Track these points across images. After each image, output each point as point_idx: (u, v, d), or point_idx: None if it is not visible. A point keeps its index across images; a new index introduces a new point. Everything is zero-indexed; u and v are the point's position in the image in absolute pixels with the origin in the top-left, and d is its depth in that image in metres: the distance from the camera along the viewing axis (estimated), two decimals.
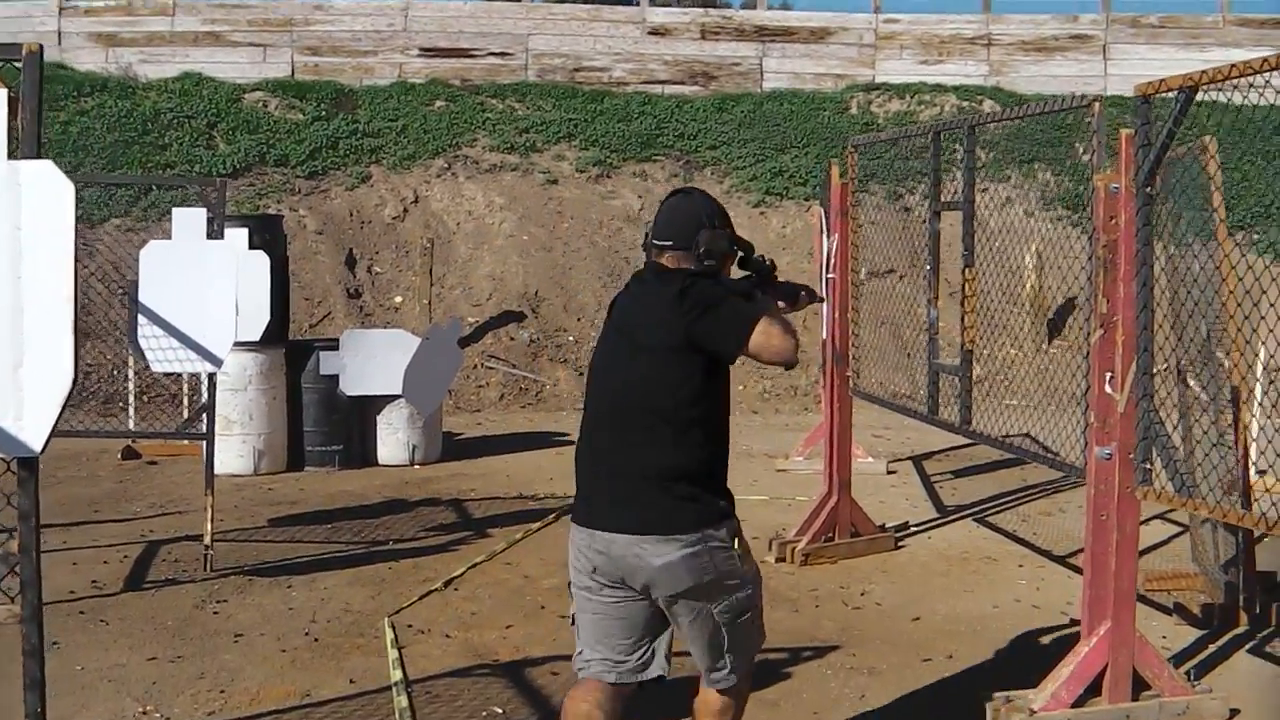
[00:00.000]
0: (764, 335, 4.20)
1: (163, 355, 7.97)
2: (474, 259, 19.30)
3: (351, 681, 6.19)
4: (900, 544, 9.00)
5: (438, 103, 21.78)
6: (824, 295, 9.15)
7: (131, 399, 13.38)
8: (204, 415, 8.41)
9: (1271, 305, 4.74)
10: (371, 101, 21.56)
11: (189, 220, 8.09)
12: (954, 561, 8.58)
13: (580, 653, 4.38)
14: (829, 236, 9.09)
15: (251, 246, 11.60)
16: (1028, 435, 9.63)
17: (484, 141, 21.32)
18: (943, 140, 7.59)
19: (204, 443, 8.36)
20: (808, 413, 16.58)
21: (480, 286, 18.79)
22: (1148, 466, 5.35)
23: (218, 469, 11.92)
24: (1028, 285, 18.88)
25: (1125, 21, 23.92)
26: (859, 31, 23.65)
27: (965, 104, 22.51)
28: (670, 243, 4.36)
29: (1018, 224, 19.11)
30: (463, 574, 8.16)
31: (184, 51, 21.96)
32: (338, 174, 20.44)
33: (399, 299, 18.72)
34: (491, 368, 17.59)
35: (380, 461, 12.47)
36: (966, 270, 6.80)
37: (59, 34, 21.81)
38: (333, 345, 12.29)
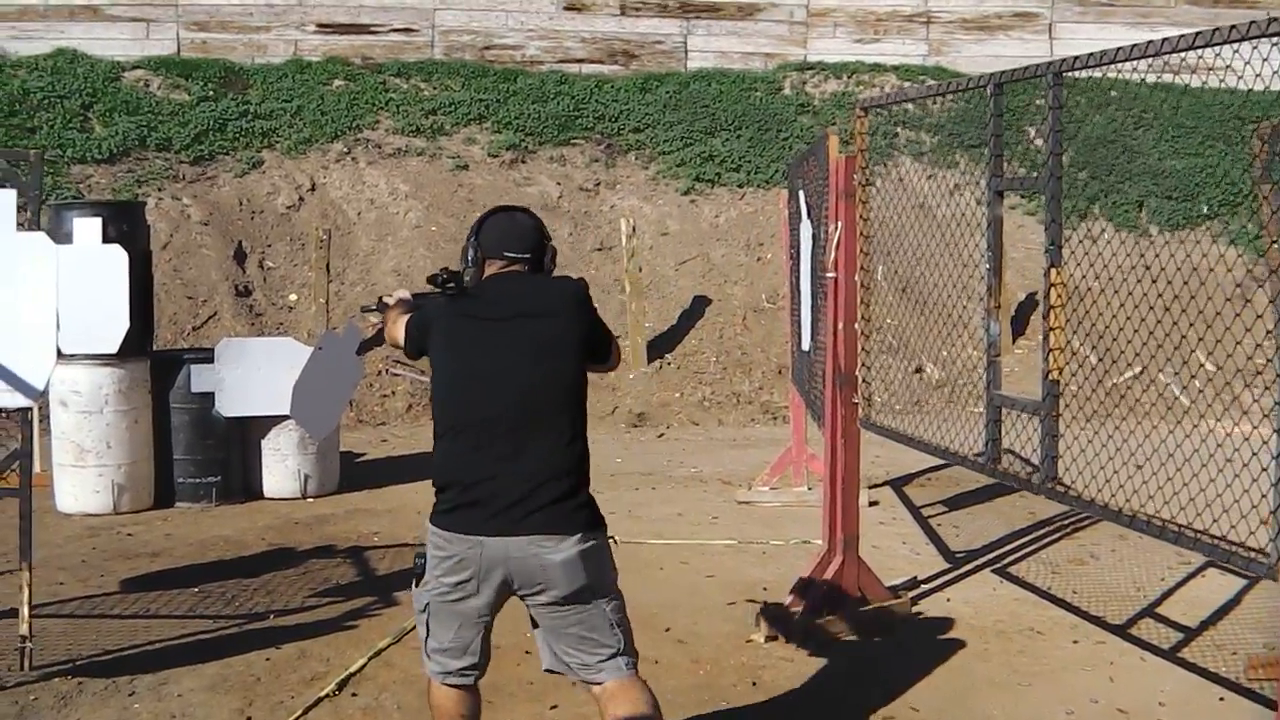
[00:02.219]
0: (617, 349, 4.66)
1: None
2: (377, 252, 17.40)
3: None
4: (916, 610, 7.19)
5: (336, 82, 19.93)
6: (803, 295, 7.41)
7: None
8: (17, 463, 6.35)
9: None
10: (264, 81, 19.65)
11: None
12: (990, 636, 6.77)
13: (438, 660, 4.49)
14: (818, 225, 7.31)
15: (107, 239, 9.70)
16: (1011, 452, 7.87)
17: (387, 124, 19.50)
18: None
19: (20, 500, 6.31)
20: (755, 424, 14.86)
21: (384, 282, 16.83)
22: None
23: (70, 506, 10.08)
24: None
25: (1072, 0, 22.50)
26: (789, 8, 22.10)
27: (907, 85, 20.90)
28: (528, 255, 4.54)
29: (969, 213, 17.64)
30: (362, 667, 6.27)
31: (59, 27, 19.89)
32: (226, 159, 18.52)
33: (294, 297, 16.87)
34: (397, 374, 15.72)
35: (266, 494, 10.49)
36: (1054, 271, 4.98)
37: None
38: (207, 357, 10.29)
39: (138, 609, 7.33)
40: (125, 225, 9.91)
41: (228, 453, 10.37)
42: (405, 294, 4.99)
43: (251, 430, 10.44)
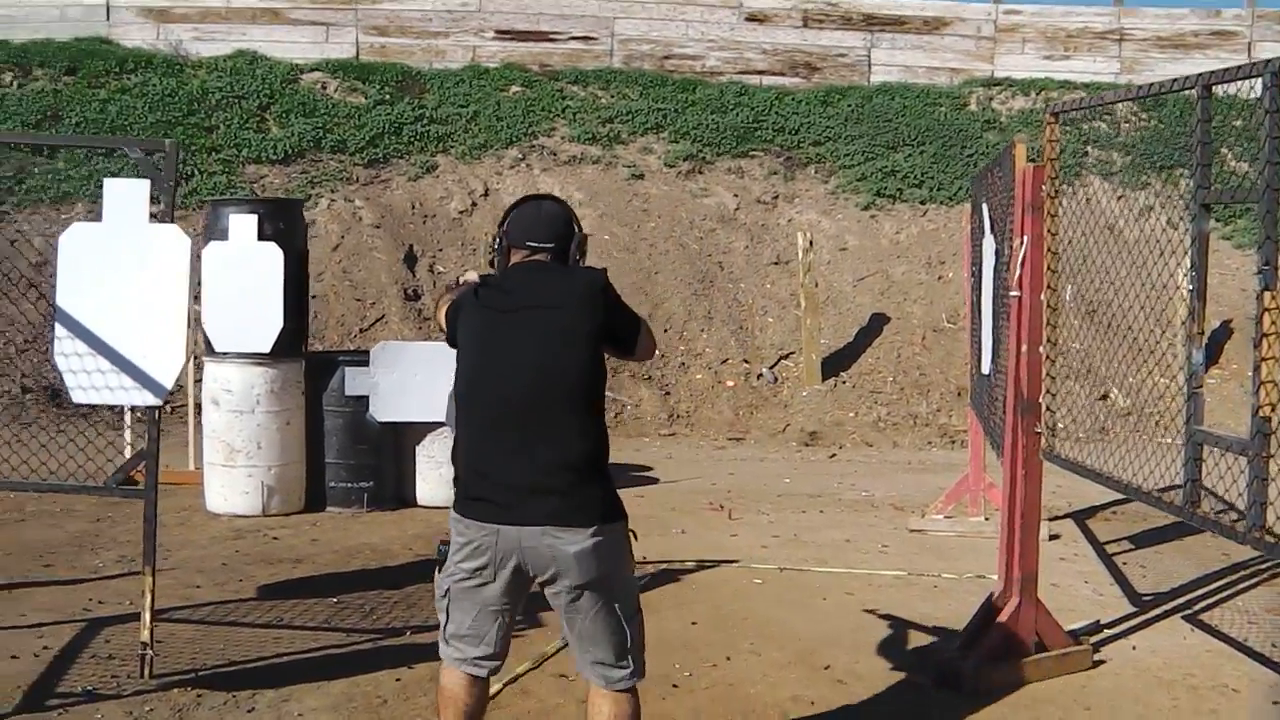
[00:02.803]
0: (647, 337, 4.58)
1: (86, 380, 5.76)
2: None
3: None
4: (1098, 658, 6.59)
5: (513, 89, 19.89)
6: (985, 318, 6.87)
7: (127, 412, 11.18)
8: (143, 467, 6.05)
9: None
10: (441, 86, 19.67)
11: (126, 196, 5.81)
12: (1180, 691, 6.14)
13: (455, 646, 4.44)
14: (1002, 241, 6.77)
15: (263, 236, 9.58)
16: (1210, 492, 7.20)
17: (563, 131, 19.34)
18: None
19: (144, 502, 6.01)
20: (931, 448, 14.25)
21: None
22: None
23: (218, 506, 9.87)
24: (1180, 306, 16.35)
25: (1272, 17, 21.87)
26: (977, 23, 21.64)
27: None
28: (552, 244, 4.47)
29: (1160, 235, 16.83)
30: (496, 694, 5.87)
31: (240, 29, 20.18)
32: (400, 163, 18.54)
33: None
34: None
35: (419, 501, 10.19)
36: (1268, 294, 4.37)
37: (107, 8, 20.10)
38: (362, 360, 10.03)
39: (271, 618, 7.02)
40: (282, 223, 9.70)
41: (380, 459, 10.08)
42: (474, 275, 4.86)
43: (406, 436, 10.15)
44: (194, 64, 19.37)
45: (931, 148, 19.46)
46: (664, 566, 8.34)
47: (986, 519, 9.61)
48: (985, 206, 7.94)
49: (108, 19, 19.94)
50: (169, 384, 5.80)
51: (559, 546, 4.15)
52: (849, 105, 20.05)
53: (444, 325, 4.63)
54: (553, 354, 4.24)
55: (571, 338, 4.26)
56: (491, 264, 4.56)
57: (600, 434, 4.32)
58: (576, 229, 4.54)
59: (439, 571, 4.46)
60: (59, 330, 5.82)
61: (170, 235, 5.80)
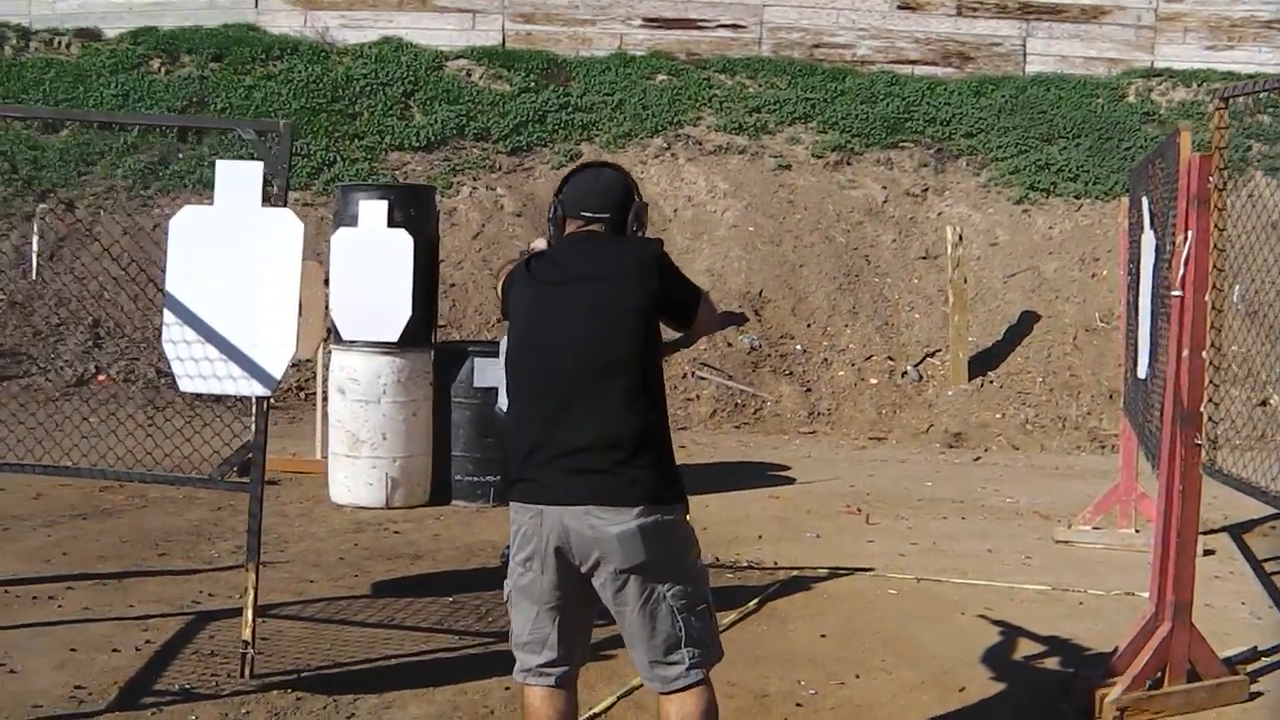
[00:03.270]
0: (707, 309, 4.44)
1: (195, 369, 5.56)
2: (691, 251, 16.78)
3: None
4: (1255, 689, 6.12)
5: (659, 77, 19.55)
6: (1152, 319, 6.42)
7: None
8: (250, 461, 5.80)
9: None
10: (586, 74, 19.43)
11: (238, 178, 5.60)
12: None
13: (520, 657, 4.22)
14: (1163, 236, 6.31)
15: (393, 223, 9.39)
16: None
17: (709, 120, 18.98)
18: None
19: (249, 498, 5.77)
20: (1080, 453, 13.70)
21: (697, 282, 16.22)
22: None
23: (342, 497, 9.71)
24: None
25: None
26: (1137, 11, 20.82)
27: (1264, 96, 19.30)
28: (607, 215, 4.31)
29: None
30: (609, 708, 5.57)
31: (387, 16, 20.13)
32: (544, 151, 18.36)
33: None
34: (704, 378, 15.09)
35: None
36: None
37: None
38: (492, 350, 9.80)
39: (382, 617, 6.80)
40: (413, 210, 9.50)
41: (508, 452, 9.83)
42: (542, 243, 4.82)
43: None
44: (339, 51, 19.39)
45: (1087, 140, 18.80)
46: (795, 573, 7.99)
47: (1137, 531, 9.10)
48: (1145, 200, 7.47)
49: (256, 6, 20.01)
50: (278, 374, 5.58)
51: (601, 527, 3.96)
52: (1003, 96, 19.45)
53: (500, 298, 4.49)
54: (599, 327, 4.08)
55: (621, 311, 4.09)
56: (549, 237, 4.43)
57: (653, 410, 4.12)
58: (636, 197, 4.37)
59: (506, 580, 4.24)
60: (167, 317, 5.64)
61: (283, 219, 5.58)
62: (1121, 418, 9.95)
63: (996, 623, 7.11)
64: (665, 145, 18.55)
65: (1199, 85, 19.91)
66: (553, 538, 4.01)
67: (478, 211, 17.11)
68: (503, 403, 9.67)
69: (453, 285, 16.03)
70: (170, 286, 5.65)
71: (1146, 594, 6.26)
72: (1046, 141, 18.85)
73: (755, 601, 7.28)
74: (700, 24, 20.38)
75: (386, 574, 7.70)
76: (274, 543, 8.26)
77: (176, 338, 5.61)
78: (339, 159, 17.49)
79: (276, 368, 5.55)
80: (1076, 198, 18.08)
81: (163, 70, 18.68)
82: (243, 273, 5.54)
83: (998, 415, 14.77)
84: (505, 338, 4.34)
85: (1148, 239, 7.15)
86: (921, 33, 20.54)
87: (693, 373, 15.12)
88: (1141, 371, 7.29)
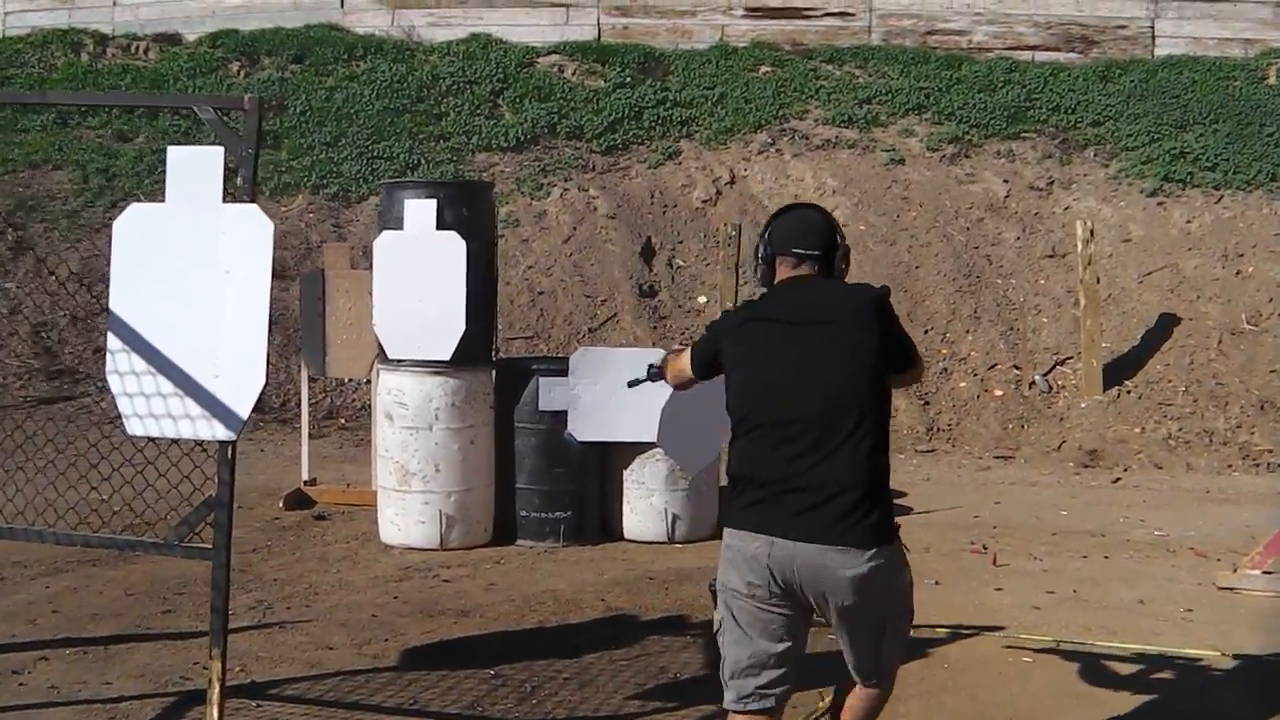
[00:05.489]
0: (919, 361, 4.48)
1: (144, 406, 4.45)
2: None
3: None
4: None
5: (763, 69, 18.49)
6: None
7: (304, 417, 10.07)
8: (213, 518, 4.65)
9: None
10: (685, 67, 18.43)
11: (195, 168, 4.47)
12: None
13: (736, 685, 4.23)
14: None
15: (443, 224, 8.25)
16: None
17: (816, 113, 17.85)
18: None
19: (212, 567, 4.64)
20: (1232, 472, 12.28)
21: None
22: None
23: (392, 537, 8.54)
24: None
25: None
26: None
27: None
28: (817, 253, 4.40)
29: None
30: None
31: (477, 13, 19.37)
32: (640, 149, 17.36)
33: (703, 299, 15.48)
34: None
35: (625, 535, 8.80)
36: None
37: None
38: (560, 369, 8.65)
39: (404, 699, 5.62)
40: (465, 209, 8.34)
41: (581, 484, 8.67)
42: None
43: (611, 459, 8.75)
44: (425, 49, 18.52)
45: (1225, 126, 17.35)
46: (910, 633, 6.75)
47: None
48: None
49: (341, 6, 19.33)
50: (244, 412, 4.45)
51: (833, 570, 4.06)
52: (1131, 81, 18.10)
53: (687, 367, 4.60)
54: (844, 371, 4.16)
55: (861, 355, 4.19)
56: (757, 275, 4.53)
57: (885, 453, 4.19)
58: (840, 239, 4.47)
59: (715, 623, 4.28)
60: (112, 342, 4.54)
61: (250, 218, 4.45)
62: None
63: (1158, 699, 5.82)
64: (770, 140, 17.44)
65: None
66: (783, 569, 4.08)
67: (569, 214, 16.11)
68: (574, 429, 8.63)
69: (541, 293, 15.06)
70: (114, 305, 4.54)
71: None
72: (1180, 128, 17.44)
73: None
74: (806, 12, 19.35)
75: (422, 637, 6.54)
76: (302, 594, 7.19)
77: (123, 368, 4.50)
78: (423, 161, 16.61)
79: (242, 405, 4.42)
80: (1216, 188, 16.64)
81: (241, 73, 18.00)
82: (201, 286, 4.43)
83: (1137, 430, 13.39)
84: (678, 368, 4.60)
85: None
86: (1041, 16, 19.36)
87: None
88: None
